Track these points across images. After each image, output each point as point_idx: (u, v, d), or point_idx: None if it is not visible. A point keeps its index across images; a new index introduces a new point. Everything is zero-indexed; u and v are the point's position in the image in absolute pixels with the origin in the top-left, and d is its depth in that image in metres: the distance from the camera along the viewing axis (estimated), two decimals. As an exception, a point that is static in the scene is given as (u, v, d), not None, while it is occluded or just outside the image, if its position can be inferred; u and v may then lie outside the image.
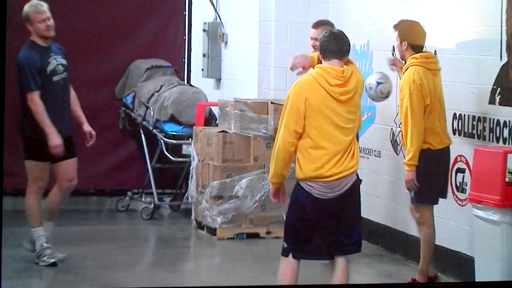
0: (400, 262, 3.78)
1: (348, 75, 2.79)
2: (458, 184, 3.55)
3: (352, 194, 2.82)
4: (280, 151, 2.82)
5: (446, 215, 3.54)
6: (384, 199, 4.03)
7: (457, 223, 3.52)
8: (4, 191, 5.05)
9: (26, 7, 3.56)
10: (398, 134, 3.78)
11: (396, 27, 3.42)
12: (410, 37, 3.39)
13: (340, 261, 2.80)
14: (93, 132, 3.57)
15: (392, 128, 3.97)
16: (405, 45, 3.38)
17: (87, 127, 3.57)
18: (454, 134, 3.55)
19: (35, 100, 3.49)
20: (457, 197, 3.53)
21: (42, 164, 3.51)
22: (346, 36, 2.90)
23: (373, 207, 4.02)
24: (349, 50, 2.89)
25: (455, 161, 3.56)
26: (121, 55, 5.05)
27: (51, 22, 3.54)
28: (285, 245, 2.80)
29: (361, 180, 2.88)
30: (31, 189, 3.59)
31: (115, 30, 5.10)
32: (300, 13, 4.59)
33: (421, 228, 3.37)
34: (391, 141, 4.00)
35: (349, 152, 2.83)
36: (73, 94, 3.64)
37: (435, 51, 3.65)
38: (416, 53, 3.36)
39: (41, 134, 3.49)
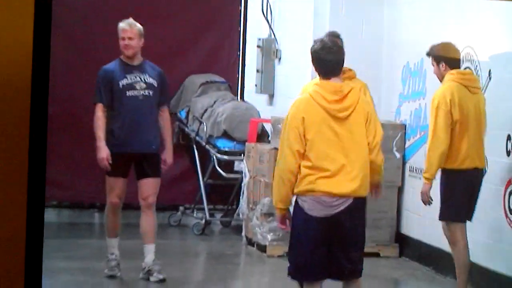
0: (452, 284, 3.74)
1: (346, 91, 2.72)
2: (511, 207, 3.51)
3: (350, 216, 2.74)
4: (284, 173, 2.73)
5: (500, 238, 3.50)
6: (435, 220, 4.01)
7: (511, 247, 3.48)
8: (62, 204, 5.23)
9: (119, 23, 3.72)
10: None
11: (429, 53, 3.41)
12: (445, 56, 3.38)
13: (355, 283, 2.73)
14: (168, 161, 3.65)
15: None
16: (442, 66, 3.36)
17: (164, 154, 3.66)
18: (508, 155, 3.51)
19: (96, 113, 3.62)
20: (510, 220, 3.49)
21: (114, 179, 3.62)
22: (341, 46, 2.82)
23: (424, 228, 4.00)
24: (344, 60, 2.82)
25: (508, 183, 3.52)
26: (177, 70, 5.13)
27: (132, 42, 3.65)
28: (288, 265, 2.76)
29: (362, 204, 2.80)
30: (107, 203, 3.73)
31: (170, 46, 5.19)
32: (355, 31, 4.59)
33: (453, 248, 3.35)
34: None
35: (349, 174, 2.74)
36: (166, 117, 3.74)
37: (490, 71, 3.62)
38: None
39: (114, 148, 3.60)
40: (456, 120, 3.29)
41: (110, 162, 3.52)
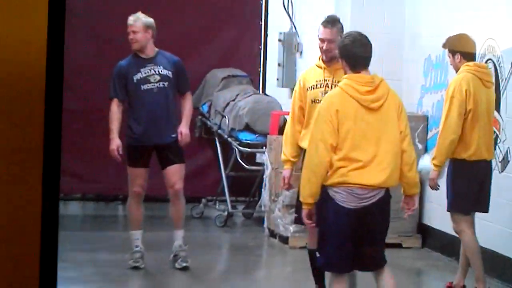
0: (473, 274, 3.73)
1: (378, 82, 2.75)
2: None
3: (380, 209, 2.75)
4: (318, 167, 2.73)
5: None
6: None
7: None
8: (86, 197, 5.28)
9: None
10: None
11: (445, 45, 3.43)
12: (461, 47, 3.39)
13: (385, 273, 2.74)
14: (184, 131, 3.70)
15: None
16: (458, 57, 3.39)
17: (180, 127, 3.71)
18: (530, 148, 3.50)
19: (111, 107, 3.70)
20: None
21: (135, 169, 3.69)
22: (369, 39, 2.84)
23: (447, 219, 3.97)
24: None
25: (531, 174, 3.51)
26: (199, 64, 5.15)
27: (137, 36, 3.72)
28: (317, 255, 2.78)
29: (390, 196, 2.81)
30: (129, 194, 3.81)
31: (193, 39, 5.21)
32: (376, 22, 4.58)
33: (461, 238, 3.36)
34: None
35: (379, 164, 2.75)
36: (187, 101, 3.80)
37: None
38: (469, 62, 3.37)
39: (133, 141, 3.67)
40: (469, 110, 3.31)
41: (121, 153, 3.60)
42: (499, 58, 3.77)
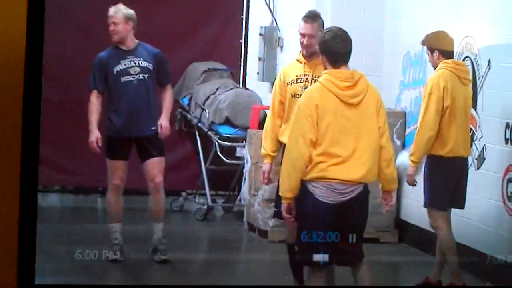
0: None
1: (357, 77, 2.78)
2: (509, 194, 3.53)
3: (358, 204, 2.78)
4: (297, 161, 2.78)
5: (498, 225, 3.52)
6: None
7: (510, 234, 3.50)
8: (66, 189, 5.26)
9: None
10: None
11: (424, 42, 3.47)
12: (439, 45, 3.44)
13: (363, 267, 2.79)
14: (164, 124, 3.70)
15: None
16: (436, 54, 3.43)
17: (160, 119, 3.71)
18: (507, 143, 3.54)
19: (91, 99, 3.71)
20: (508, 207, 3.51)
21: (114, 162, 3.69)
22: (349, 35, 2.86)
23: (424, 214, 4.01)
24: None
25: (507, 170, 3.55)
26: (179, 58, 5.14)
27: (118, 27, 3.71)
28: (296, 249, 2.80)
29: (369, 192, 2.84)
30: (109, 186, 3.80)
31: (173, 33, 5.19)
32: (356, 18, 4.59)
33: (437, 233, 3.41)
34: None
35: (358, 160, 2.78)
36: (167, 93, 3.79)
37: (489, 60, 3.64)
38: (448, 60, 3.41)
39: (113, 133, 3.66)
40: (446, 106, 3.36)
41: (100, 145, 3.61)
42: (476, 56, 3.80)
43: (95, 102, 3.71)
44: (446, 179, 3.41)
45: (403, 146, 4.32)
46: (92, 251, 3.66)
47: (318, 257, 2.75)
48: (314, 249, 2.74)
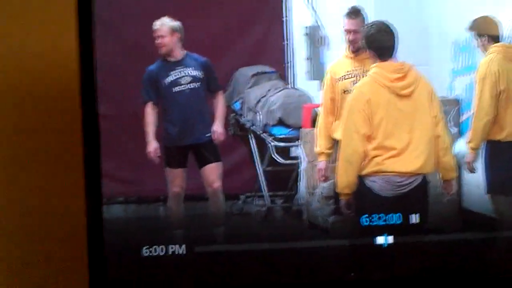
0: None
1: (407, 69, 2.74)
2: None
3: (418, 196, 2.73)
4: (353, 157, 2.77)
5: None
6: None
7: None
8: (129, 199, 5.31)
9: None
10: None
11: (471, 28, 3.40)
12: (487, 29, 3.36)
13: None
14: (219, 130, 3.74)
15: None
16: (485, 39, 3.37)
17: (214, 126, 3.75)
18: None
19: (146, 111, 3.77)
20: None
21: (173, 170, 3.74)
22: (393, 28, 2.81)
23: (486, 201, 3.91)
24: None
25: None
26: (227, 64, 5.15)
27: (164, 40, 3.74)
28: None
29: (428, 182, 2.79)
30: (169, 194, 3.77)
31: (219, 40, 5.20)
32: (398, 9, 4.52)
33: (500, 219, 3.31)
34: None
35: (414, 151, 2.73)
36: (219, 98, 3.83)
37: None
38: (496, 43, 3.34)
39: (170, 142, 3.70)
40: (501, 90, 3.28)
41: (159, 155, 3.64)
42: (526, 37, 3.70)
43: (150, 113, 3.76)
44: (507, 163, 3.32)
45: (460, 133, 4.24)
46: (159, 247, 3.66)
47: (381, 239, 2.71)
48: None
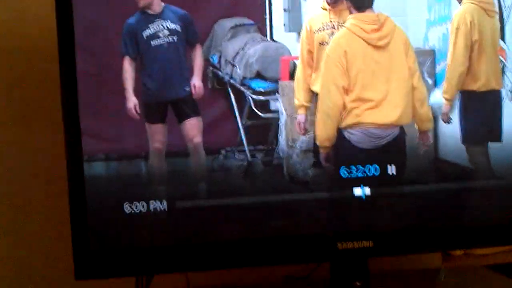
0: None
1: (383, 20, 2.73)
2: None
3: (396, 148, 2.75)
4: (331, 109, 2.78)
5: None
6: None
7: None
8: (110, 156, 5.29)
9: None
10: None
11: None
12: None
13: None
14: (197, 84, 3.72)
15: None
16: None
17: (192, 80, 3.73)
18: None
19: (124, 65, 3.72)
20: (545, 137, 3.44)
21: (153, 126, 3.72)
22: None
23: (463, 151, 3.95)
24: None
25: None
26: (206, 16, 5.08)
27: None
28: None
29: (406, 134, 2.81)
30: (150, 150, 3.76)
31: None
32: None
33: (475, 168, 3.35)
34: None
35: (392, 102, 2.75)
36: (197, 53, 3.79)
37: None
38: None
39: (149, 97, 3.68)
40: (475, 40, 3.29)
41: (139, 111, 3.61)
42: (502, -13, 3.68)
43: (128, 69, 3.72)
44: (481, 113, 3.35)
45: (435, 84, 4.25)
46: (140, 202, 3.69)
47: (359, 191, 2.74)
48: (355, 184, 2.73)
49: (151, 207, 3.34)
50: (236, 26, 5.39)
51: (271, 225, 3.23)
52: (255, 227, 3.33)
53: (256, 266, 3.28)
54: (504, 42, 3.67)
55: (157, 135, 3.75)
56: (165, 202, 3.41)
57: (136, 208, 3.29)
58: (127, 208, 3.32)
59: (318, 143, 2.98)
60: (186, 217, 3.34)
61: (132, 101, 3.67)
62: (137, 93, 3.77)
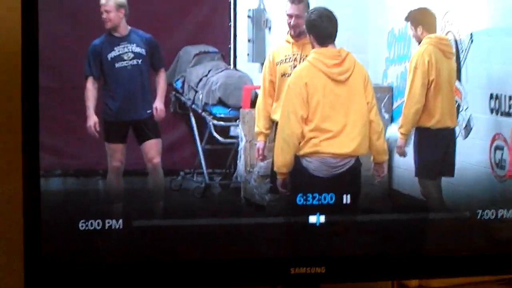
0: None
1: (344, 55, 2.77)
2: (497, 161, 3.51)
3: (351, 177, 2.78)
4: (291, 138, 2.81)
5: (486, 190, 3.49)
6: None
7: (497, 196, 3.48)
8: (68, 172, 5.22)
9: None
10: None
11: (407, 18, 3.47)
12: (423, 21, 3.43)
13: None
14: (160, 107, 3.71)
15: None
16: (420, 30, 3.44)
17: (155, 103, 3.72)
18: (492, 113, 3.52)
19: (87, 85, 3.72)
20: (496, 174, 3.49)
21: (113, 145, 3.69)
22: (334, 14, 2.85)
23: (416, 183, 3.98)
24: None
25: (493, 139, 3.52)
26: (172, 41, 5.08)
27: (110, 15, 3.68)
28: None
29: (361, 164, 2.85)
30: (109, 168, 3.74)
31: (164, 18, 5.12)
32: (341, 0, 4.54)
33: (427, 201, 3.40)
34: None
35: (349, 134, 2.78)
36: (161, 76, 3.79)
37: (471, 34, 3.60)
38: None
39: (110, 117, 3.65)
40: (431, 80, 3.35)
41: (98, 129, 3.59)
42: (458, 30, 3.76)
43: (91, 88, 3.71)
44: (435, 149, 3.39)
45: (392, 119, 4.30)
46: (96, 221, 3.61)
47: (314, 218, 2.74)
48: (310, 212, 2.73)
49: (107, 225, 3.28)
50: (200, 53, 5.40)
51: (226, 247, 3.20)
52: (210, 248, 3.29)
53: (210, 287, 3.23)
54: (460, 83, 3.74)
55: (116, 154, 3.72)
56: (121, 221, 3.35)
57: (91, 225, 3.22)
58: (81, 225, 3.24)
59: (275, 169, 2.99)
60: (142, 236, 3.28)
61: (92, 119, 3.65)
62: (98, 112, 3.74)
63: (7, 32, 3.56)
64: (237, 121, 5.08)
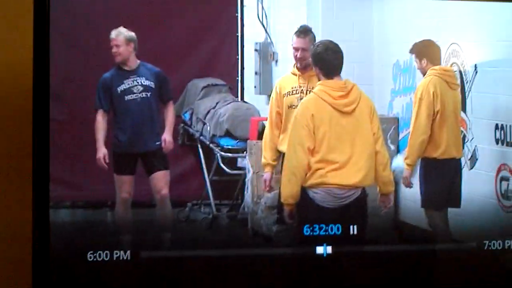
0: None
1: (350, 87, 2.77)
2: (503, 192, 3.47)
3: (357, 208, 2.75)
4: (297, 169, 2.79)
5: (493, 221, 3.46)
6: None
7: (503, 228, 3.44)
8: (76, 204, 5.21)
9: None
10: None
11: (411, 50, 3.47)
12: (427, 53, 3.43)
13: None
14: (168, 139, 3.72)
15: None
16: (424, 62, 3.44)
17: (163, 135, 3.72)
18: (497, 143, 3.49)
19: (97, 118, 3.73)
20: (503, 204, 3.45)
21: (121, 177, 3.69)
22: (340, 47, 2.85)
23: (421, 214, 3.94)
24: None
25: (499, 169, 3.49)
26: (180, 75, 5.12)
27: (120, 49, 3.72)
28: None
29: (367, 194, 2.82)
30: (117, 200, 3.75)
31: (173, 52, 5.16)
32: (346, 32, 4.56)
33: (434, 232, 3.37)
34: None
35: (355, 165, 2.76)
36: (169, 109, 3.80)
37: (475, 65, 3.60)
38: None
39: (119, 149, 3.66)
40: (437, 111, 3.34)
41: (107, 161, 3.60)
42: (463, 61, 3.76)
43: (101, 121, 3.72)
44: (441, 180, 3.37)
45: (398, 150, 4.28)
46: (104, 252, 3.58)
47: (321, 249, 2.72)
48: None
49: (115, 256, 3.25)
50: (208, 85, 5.42)
51: (233, 278, 3.17)
52: (218, 279, 3.26)
53: (216, 319, 3.19)
54: (465, 114, 3.73)
55: (124, 186, 3.72)
56: (128, 252, 3.32)
57: (99, 256, 3.19)
58: (90, 256, 3.22)
59: (282, 200, 2.96)
60: (149, 267, 3.26)
61: (102, 151, 3.66)
62: (107, 144, 3.76)
63: (20, 67, 3.58)
64: (244, 152, 5.09)
